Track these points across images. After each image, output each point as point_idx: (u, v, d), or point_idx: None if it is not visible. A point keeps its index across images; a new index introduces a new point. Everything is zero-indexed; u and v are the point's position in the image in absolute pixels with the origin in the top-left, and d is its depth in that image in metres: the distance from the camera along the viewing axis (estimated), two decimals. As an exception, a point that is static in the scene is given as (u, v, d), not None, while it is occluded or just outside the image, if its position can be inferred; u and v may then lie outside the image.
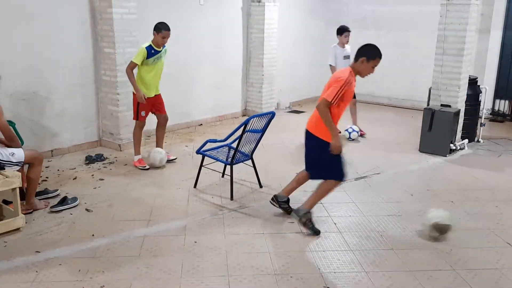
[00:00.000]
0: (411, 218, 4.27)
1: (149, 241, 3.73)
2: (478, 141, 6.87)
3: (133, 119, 5.43)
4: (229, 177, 4.64)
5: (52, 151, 5.82)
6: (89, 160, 5.64)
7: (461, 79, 6.21)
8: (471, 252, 3.67)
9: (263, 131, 4.64)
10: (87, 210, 4.28)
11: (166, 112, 5.63)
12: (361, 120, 8.14)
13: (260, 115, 4.52)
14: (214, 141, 4.81)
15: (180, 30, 7.02)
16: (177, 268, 3.35)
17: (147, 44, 5.14)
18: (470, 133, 6.70)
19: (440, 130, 6.12)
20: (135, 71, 5.21)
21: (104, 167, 5.49)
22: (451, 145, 6.18)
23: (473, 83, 6.62)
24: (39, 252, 3.53)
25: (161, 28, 5.10)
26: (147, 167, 5.38)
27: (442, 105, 6.30)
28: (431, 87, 6.57)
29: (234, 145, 4.69)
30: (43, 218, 4.10)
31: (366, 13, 9.75)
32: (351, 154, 6.12)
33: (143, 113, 5.33)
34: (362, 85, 9.89)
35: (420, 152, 6.31)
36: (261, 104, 8.31)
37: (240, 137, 4.45)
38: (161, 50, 5.24)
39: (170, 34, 5.18)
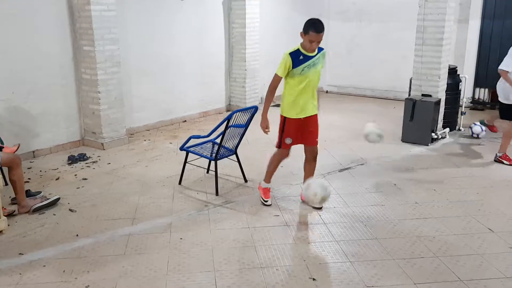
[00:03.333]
0: (394, 207, 4.33)
1: (134, 240, 3.72)
2: (459, 129, 6.96)
3: (276, 146, 4.29)
4: (214, 172, 4.63)
5: (34, 152, 5.74)
6: (72, 160, 5.58)
7: (441, 68, 6.28)
8: (453, 239, 3.73)
9: (246, 125, 4.64)
10: (70, 210, 4.24)
11: (315, 142, 4.24)
12: (344, 112, 8.22)
13: (243, 110, 4.52)
14: (198, 137, 4.80)
15: (161, 27, 6.98)
16: (162, 265, 3.35)
17: (292, 49, 3.96)
18: (451, 122, 6.79)
19: (421, 120, 6.19)
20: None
21: (87, 166, 5.44)
22: (433, 134, 6.26)
23: (453, 73, 6.70)
24: (22, 254, 3.49)
25: (309, 29, 3.81)
26: (270, 203, 4.36)
27: (423, 95, 6.37)
28: (412, 78, 6.64)
29: (218, 140, 4.68)
30: (26, 220, 4.05)
31: (347, 6, 9.79)
32: (335, 146, 6.17)
33: (288, 140, 4.14)
34: (345, 77, 10.06)
35: (403, 142, 6.38)
36: (245, 99, 8.30)
37: (224, 132, 4.45)
38: (314, 56, 3.96)
39: (320, 38, 3.83)
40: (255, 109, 4.57)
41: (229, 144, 4.72)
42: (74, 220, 4.07)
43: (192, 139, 4.75)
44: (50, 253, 3.51)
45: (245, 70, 8.16)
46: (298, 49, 3.94)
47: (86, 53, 5.92)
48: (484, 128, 6.55)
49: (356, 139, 6.58)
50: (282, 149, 4.22)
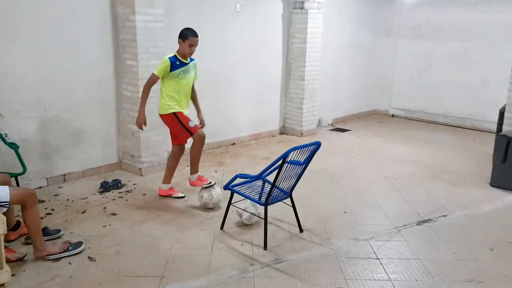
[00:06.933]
0: (496, 286, 3.29)
1: (159, 310, 2.94)
2: (562, 174, 5.72)
3: (191, 135, 4.49)
4: (263, 217, 3.79)
5: (64, 175, 5.16)
6: (104, 187, 4.94)
7: (545, 100, 5.15)
8: None
9: (305, 164, 3.78)
10: (89, 258, 3.53)
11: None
12: (414, 141, 7.13)
13: (303, 147, 3.66)
14: (245, 176, 3.98)
15: (213, 40, 6.27)
16: None
17: (170, 55, 4.42)
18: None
19: (518, 162, 5.07)
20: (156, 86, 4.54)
21: (120, 197, 4.77)
22: (532, 180, 5.11)
23: (558, 105, 5.52)
24: (20, 320, 2.81)
25: (188, 35, 4.34)
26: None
27: (520, 131, 5.24)
28: (503, 109, 5.53)
29: (270, 178, 3.84)
30: (36, 268, 3.37)
31: (420, 22, 8.72)
32: (408, 187, 5.14)
33: (191, 123, 4.47)
34: (414, 101, 8.97)
35: (492, 186, 5.26)
36: (301, 121, 7.45)
37: (278, 172, 3.60)
38: (187, 63, 4.47)
39: (198, 41, 4.41)
40: (317, 145, 3.70)
41: (284, 185, 3.87)
42: (91, 273, 3.35)
43: (238, 178, 3.94)
44: (53, 322, 2.81)
45: (303, 89, 7.32)
46: (175, 55, 4.40)
47: (128, 67, 5.30)
48: None
49: (432, 178, 5.54)
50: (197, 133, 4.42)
